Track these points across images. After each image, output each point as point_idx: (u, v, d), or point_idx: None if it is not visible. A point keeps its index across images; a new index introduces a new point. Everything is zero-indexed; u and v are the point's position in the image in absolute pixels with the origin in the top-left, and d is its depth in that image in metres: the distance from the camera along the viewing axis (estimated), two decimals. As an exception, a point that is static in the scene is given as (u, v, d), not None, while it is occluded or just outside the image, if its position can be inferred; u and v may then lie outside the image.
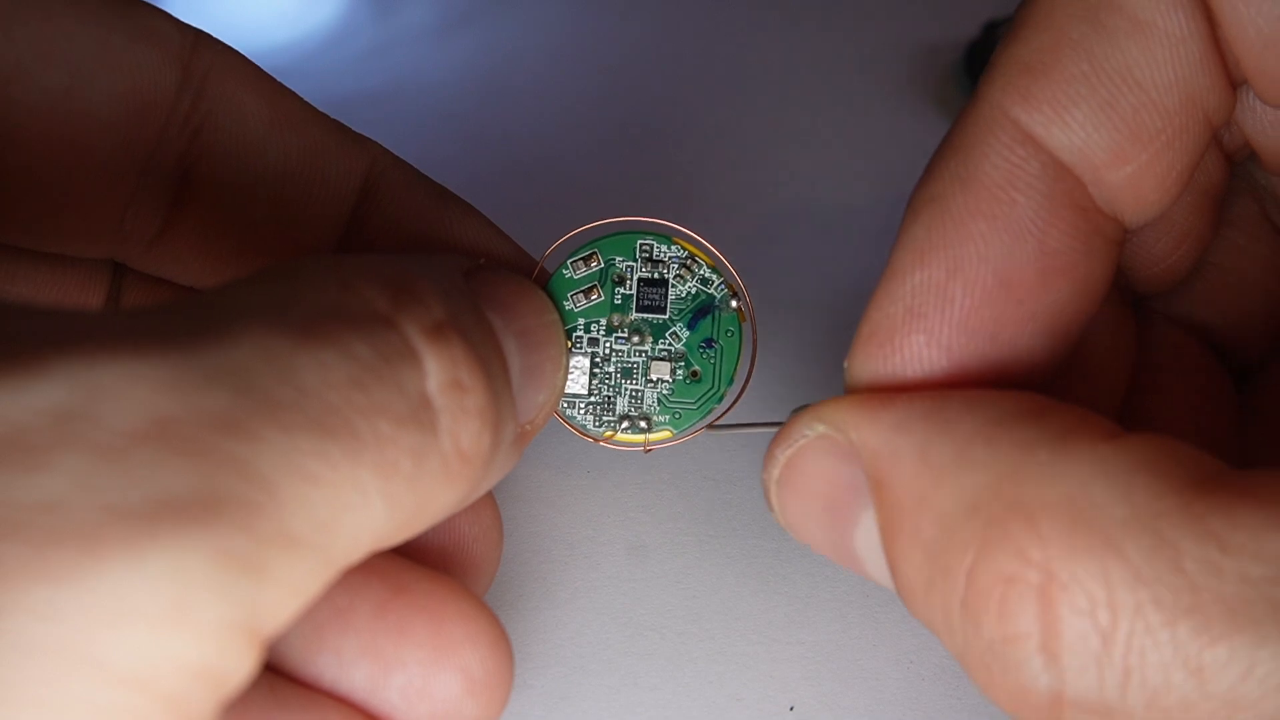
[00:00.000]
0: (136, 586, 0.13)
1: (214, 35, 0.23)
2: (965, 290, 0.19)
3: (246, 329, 0.15)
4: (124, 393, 0.13)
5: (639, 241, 0.23)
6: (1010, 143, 0.18)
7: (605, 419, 0.24)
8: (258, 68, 0.23)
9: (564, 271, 0.23)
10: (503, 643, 0.20)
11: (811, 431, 0.19)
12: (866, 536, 0.19)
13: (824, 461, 0.19)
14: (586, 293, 0.23)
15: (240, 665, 0.14)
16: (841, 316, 0.32)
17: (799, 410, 0.20)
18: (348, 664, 0.19)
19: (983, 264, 0.19)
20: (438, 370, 0.17)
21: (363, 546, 0.16)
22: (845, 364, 0.20)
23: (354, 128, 0.24)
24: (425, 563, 0.20)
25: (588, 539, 0.28)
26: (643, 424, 0.23)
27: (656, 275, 0.23)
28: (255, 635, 0.14)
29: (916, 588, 0.17)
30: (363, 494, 0.15)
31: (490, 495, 0.23)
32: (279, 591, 0.14)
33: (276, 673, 0.19)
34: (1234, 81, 0.19)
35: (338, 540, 0.15)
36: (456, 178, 0.26)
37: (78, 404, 0.13)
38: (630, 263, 0.23)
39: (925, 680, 0.26)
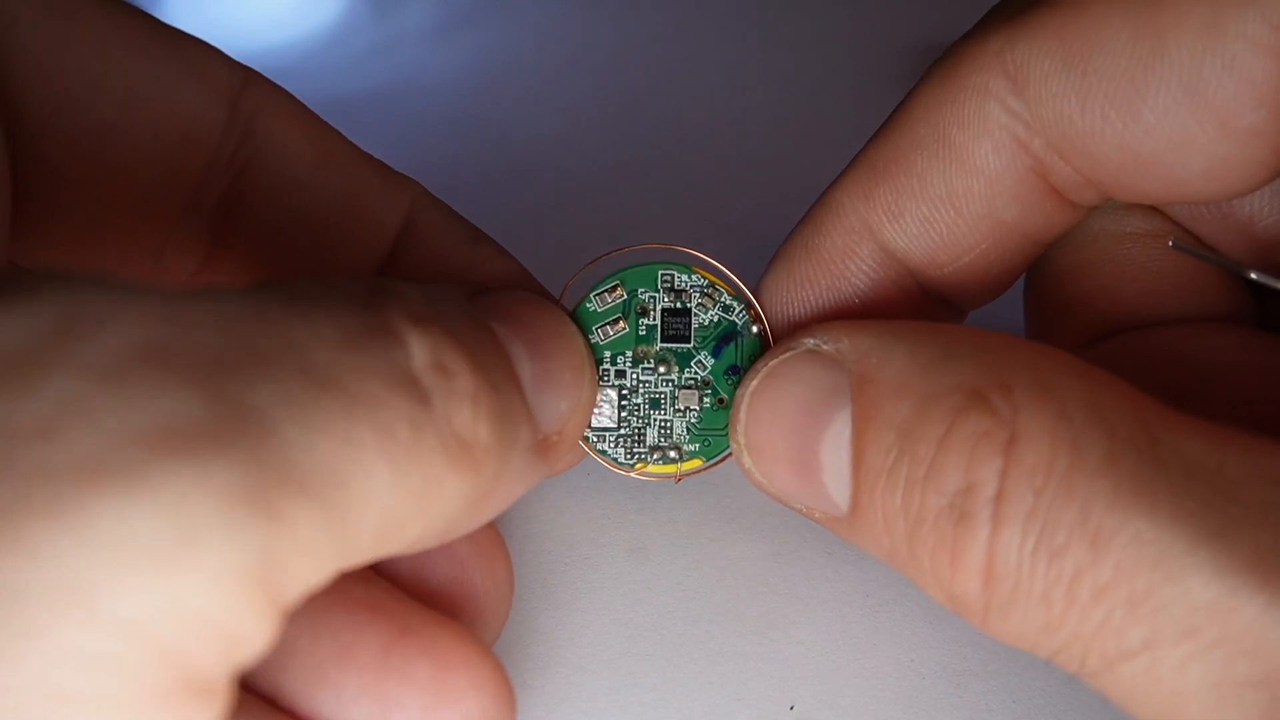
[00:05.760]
0: (137, 522, 0.12)
1: (263, 74, 0.22)
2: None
3: (235, 290, 0.15)
4: (116, 314, 0.13)
5: (660, 272, 0.23)
6: (850, 228, 0.22)
7: (636, 451, 0.23)
8: (305, 107, 0.23)
9: (588, 305, 0.23)
10: (505, 691, 0.20)
11: (799, 346, 0.21)
12: (834, 440, 0.19)
13: (807, 369, 0.20)
14: (612, 324, 0.23)
15: (254, 628, 0.13)
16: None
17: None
18: (348, 702, 0.19)
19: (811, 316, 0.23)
20: (420, 351, 0.16)
21: (372, 519, 0.15)
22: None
23: (354, 129, 0.24)
24: (434, 609, 0.20)
25: (587, 540, 0.28)
26: (673, 454, 0.23)
27: (679, 304, 0.23)
28: (270, 593, 0.13)
29: (879, 471, 0.18)
30: (362, 451, 0.14)
31: (505, 549, 0.23)
32: (293, 546, 0.13)
33: (276, 707, 0.18)
34: (1078, 201, 0.21)
35: (349, 500, 0.14)
36: (456, 178, 0.26)
37: (69, 324, 0.12)
38: (653, 293, 0.23)
39: (925, 680, 0.26)
